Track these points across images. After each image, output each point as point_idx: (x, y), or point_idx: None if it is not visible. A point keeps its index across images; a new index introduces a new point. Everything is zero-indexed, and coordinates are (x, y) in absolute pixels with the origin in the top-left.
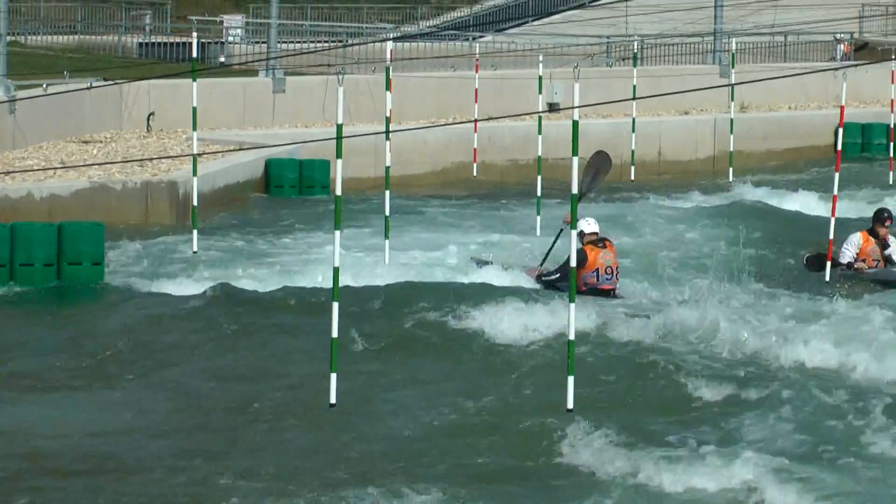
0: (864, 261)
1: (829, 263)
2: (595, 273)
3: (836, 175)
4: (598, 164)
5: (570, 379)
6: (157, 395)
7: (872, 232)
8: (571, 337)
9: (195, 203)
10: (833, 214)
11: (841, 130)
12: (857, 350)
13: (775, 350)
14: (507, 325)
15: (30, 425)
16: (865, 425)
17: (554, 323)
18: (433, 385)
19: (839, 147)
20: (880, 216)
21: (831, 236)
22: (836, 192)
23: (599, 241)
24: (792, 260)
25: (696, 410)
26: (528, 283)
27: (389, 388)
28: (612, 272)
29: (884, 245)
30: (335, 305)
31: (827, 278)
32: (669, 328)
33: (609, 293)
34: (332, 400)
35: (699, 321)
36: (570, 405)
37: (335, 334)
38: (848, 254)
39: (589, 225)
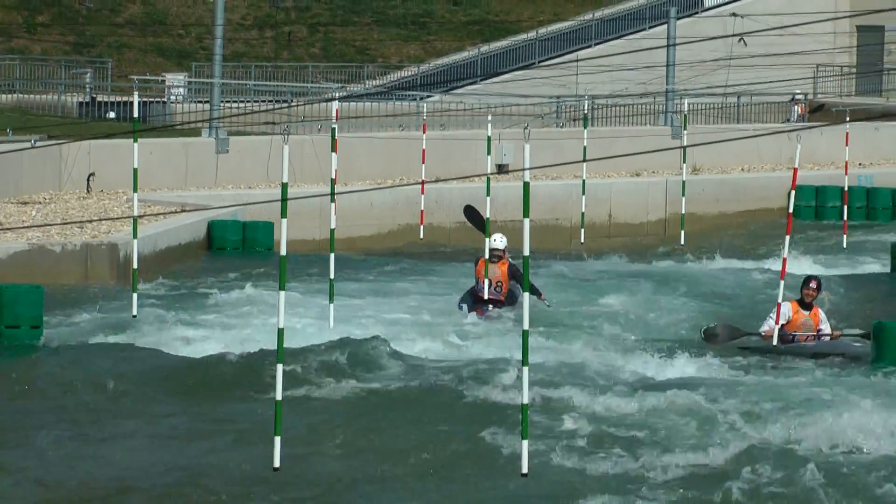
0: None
1: (776, 327)
2: (482, 285)
3: (787, 238)
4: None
5: (525, 443)
6: (94, 460)
7: (800, 301)
8: (525, 401)
9: (135, 266)
10: (783, 277)
11: (793, 193)
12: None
13: (728, 420)
14: (455, 388)
15: None
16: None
17: (506, 386)
18: (378, 450)
19: (790, 210)
20: (804, 282)
21: (780, 300)
22: (785, 254)
23: (495, 257)
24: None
25: (654, 478)
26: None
27: (333, 451)
28: (498, 286)
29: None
30: (280, 367)
31: (775, 341)
32: (628, 396)
33: (495, 304)
34: (277, 464)
35: (656, 389)
36: (525, 469)
37: (279, 397)
38: (769, 322)
39: (494, 241)
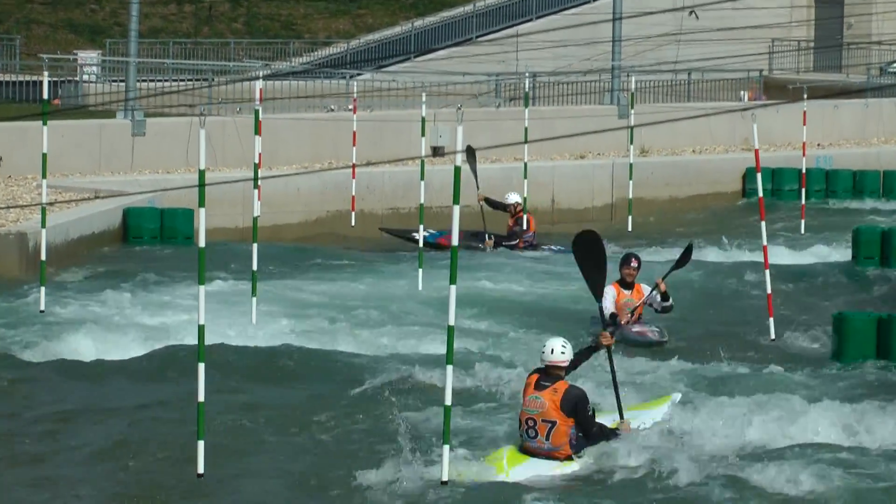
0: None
1: (771, 320)
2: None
3: (763, 224)
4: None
5: (446, 448)
6: (5, 469)
7: (621, 282)
8: (448, 402)
9: (43, 258)
10: (766, 266)
11: (759, 175)
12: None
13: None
14: (380, 388)
15: None
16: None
17: (430, 387)
18: (304, 453)
19: (760, 193)
20: (624, 260)
21: (769, 290)
22: (765, 242)
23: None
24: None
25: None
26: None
27: (259, 455)
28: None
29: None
30: (201, 367)
31: (772, 336)
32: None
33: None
34: (200, 469)
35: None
36: (445, 477)
37: (202, 398)
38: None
39: (515, 196)
